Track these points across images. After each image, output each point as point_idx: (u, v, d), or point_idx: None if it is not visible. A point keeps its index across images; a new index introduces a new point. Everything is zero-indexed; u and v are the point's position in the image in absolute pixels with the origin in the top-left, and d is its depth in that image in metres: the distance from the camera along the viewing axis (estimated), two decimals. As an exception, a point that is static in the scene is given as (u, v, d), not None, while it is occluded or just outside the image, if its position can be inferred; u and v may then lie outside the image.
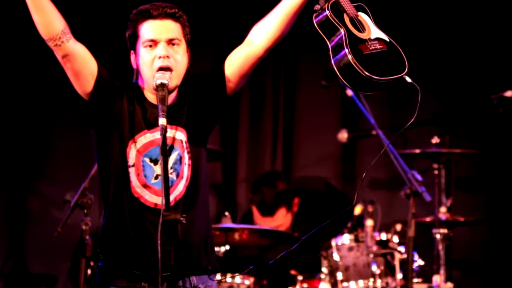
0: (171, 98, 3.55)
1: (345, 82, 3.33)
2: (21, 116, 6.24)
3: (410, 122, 3.50)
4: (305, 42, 6.58)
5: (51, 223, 5.88)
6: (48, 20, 3.34)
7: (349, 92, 5.57)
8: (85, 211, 4.96)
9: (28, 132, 6.25)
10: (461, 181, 6.34)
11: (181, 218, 3.29)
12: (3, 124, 6.20)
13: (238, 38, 3.75)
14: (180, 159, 3.54)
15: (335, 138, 6.13)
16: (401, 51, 3.40)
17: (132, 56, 3.59)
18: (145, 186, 3.51)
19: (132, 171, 3.50)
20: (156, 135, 3.52)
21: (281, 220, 6.15)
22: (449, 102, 6.38)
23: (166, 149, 3.34)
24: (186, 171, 3.53)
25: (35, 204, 6.27)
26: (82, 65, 3.41)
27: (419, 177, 5.22)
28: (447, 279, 5.65)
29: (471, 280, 6.41)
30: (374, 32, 3.43)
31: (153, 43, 3.52)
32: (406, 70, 3.36)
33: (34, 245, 6.20)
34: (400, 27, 6.49)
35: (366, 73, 3.27)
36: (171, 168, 3.53)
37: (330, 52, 3.39)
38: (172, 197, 3.48)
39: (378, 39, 3.40)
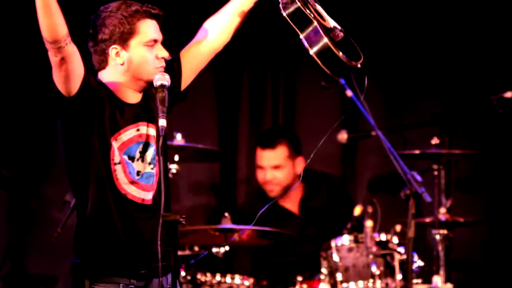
0: (140, 96, 3.59)
1: (326, 70, 3.50)
2: (22, 116, 6.24)
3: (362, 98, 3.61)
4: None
5: (51, 223, 5.88)
6: (55, 24, 3.33)
7: (349, 93, 5.57)
8: (85, 211, 4.95)
9: (28, 132, 6.25)
10: (460, 182, 6.34)
11: (181, 219, 3.30)
12: (3, 125, 6.20)
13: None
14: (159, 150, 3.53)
15: (335, 139, 6.13)
16: (351, 38, 3.45)
17: (114, 51, 3.56)
18: (132, 182, 3.53)
19: (118, 168, 3.51)
20: (132, 132, 3.55)
21: (282, 160, 6.08)
22: (449, 103, 6.38)
23: (163, 149, 3.36)
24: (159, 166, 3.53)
25: (35, 205, 6.27)
26: (75, 67, 3.41)
27: (418, 178, 5.22)
28: (447, 280, 5.65)
29: (471, 281, 6.41)
30: (330, 21, 3.48)
31: (154, 43, 3.55)
32: (362, 58, 3.46)
33: (34, 246, 6.20)
34: (400, 27, 6.49)
35: (352, 61, 3.46)
36: (150, 163, 3.56)
37: (306, 43, 3.49)
38: (151, 195, 3.54)
39: (336, 27, 3.47)
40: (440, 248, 5.69)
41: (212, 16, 3.77)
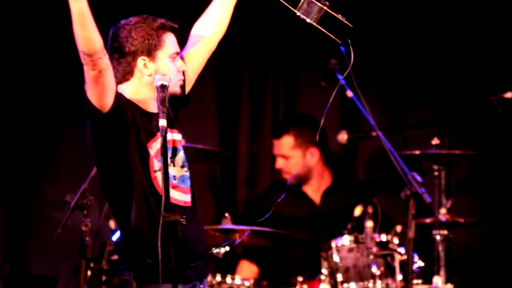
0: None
1: (330, 35, 3.62)
2: (22, 117, 6.24)
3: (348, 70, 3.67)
4: (305, 43, 6.58)
5: (51, 224, 5.87)
6: (92, 36, 3.37)
7: (349, 93, 5.57)
8: (85, 212, 4.96)
9: (28, 133, 6.25)
10: (461, 182, 6.34)
11: (181, 219, 3.31)
12: (4, 125, 6.20)
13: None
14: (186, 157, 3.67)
15: (335, 140, 6.13)
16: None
17: (142, 62, 3.63)
18: (173, 187, 3.59)
19: (159, 175, 3.56)
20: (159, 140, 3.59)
21: (288, 150, 6.12)
22: (449, 104, 6.38)
23: (166, 150, 3.39)
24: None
25: (35, 205, 6.27)
26: (110, 80, 3.47)
27: (419, 178, 5.22)
28: (447, 280, 5.65)
29: (471, 281, 6.41)
30: None
31: (176, 55, 3.67)
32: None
33: (34, 246, 6.20)
34: (399, 28, 6.49)
35: (345, 21, 3.62)
36: (183, 166, 3.66)
37: (303, 15, 3.61)
38: (189, 197, 3.63)
39: None
40: (440, 248, 5.69)
41: (199, 18, 3.86)
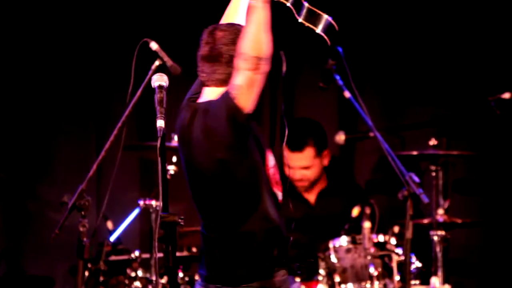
0: None
1: (315, 29, 3.77)
2: (20, 117, 6.23)
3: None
4: (303, 44, 6.58)
5: (49, 225, 5.87)
6: (270, 40, 3.51)
7: (347, 94, 5.57)
8: (83, 213, 4.93)
9: (26, 134, 6.25)
10: (458, 183, 6.34)
11: (179, 220, 3.31)
12: (1, 126, 6.19)
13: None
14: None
15: (333, 140, 6.13)
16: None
17: None
18: (277, 182, 3.68)
19: (273, 171, 3.67)
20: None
21: (310, 161, 6.12)
22: (447, 104, 6.38)
23: (165, 150, 3.36)
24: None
25: (33, 206, 6.26)
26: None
27: (416, 179, 5.22)
28: (445, 280, 5.65)
29: (469, 281, 6.41)
30: None
31: None
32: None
33: (31, 247, 6.20)
34: (397, 29, 6.49)
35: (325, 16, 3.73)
36: None
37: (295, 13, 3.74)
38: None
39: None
40: (438, 249, 5.69)
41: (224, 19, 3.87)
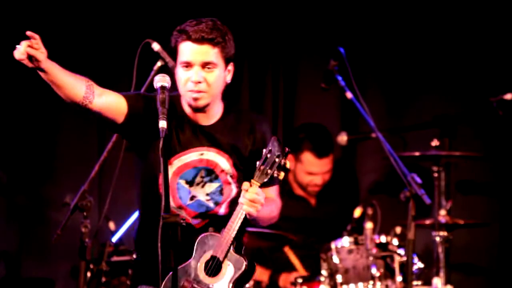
0: (214, 117, 3.67)
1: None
2: (22, 118, 6.23)
3: None
4: (304, 44, 6.58)
5: (51, 225, 5.87)
6: (69, 93, 3.48)
7: (349, 95, 5.57)
8: (85, 213, 4.94)
9: (28, 134, 6.25)
10: (460, 184, 6.34)
11: (181, 221, 3.31)
12: (3, 127, 6.19)
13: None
14: (221, 191, 3.66)
15: (335, 141, 6.13)
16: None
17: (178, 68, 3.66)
18: (180, 207, 3.63)
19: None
20: (192, 156, 3.63)
21: (331, 164, 6.17)
22: (449, 105, 6.38)
23: (167, 151, 3.37)
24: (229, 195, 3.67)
25: (35, 207, 6.26)
26: (113, 113, 3.54)
27: (418, 180, 5.22)
28: (447, 281, 5.65)
29: (471, 282, 6.41)
30: None
31: (188, 65, 3.59)
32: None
33: (33, 248, 6.19)
34: (400, 29, 6.49)
35: None
36: (208, 195, 3.65)
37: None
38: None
39: None
40: (440, 250, 5.69)
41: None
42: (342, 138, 6.06)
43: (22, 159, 6.25)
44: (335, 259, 5.52)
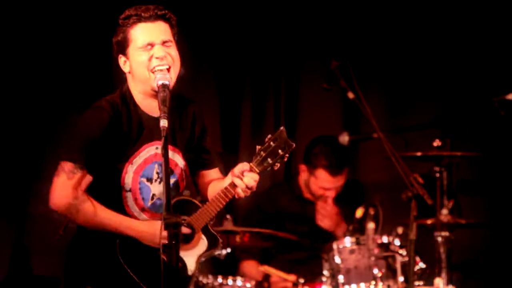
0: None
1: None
2: (24, 118, 6.24)
3: None
4: (307, 45, 6.58)
5: (53, 225, 5.87)
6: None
7: (351, 95, 5.57)
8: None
9: (30, 134, 6.25)
10: (462, 184, 6.34)
11: (182, 221, 3.30)
12: (5, 126, 6.20)
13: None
14: (177, 186, 3.64)
15: (337, 141, 6.13)
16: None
17: (122, 60, 3.58)
18: (142, 210, 3.58)
19: (129, 195, 3.55)
20: (150, 150, 3.57)
21: (345, 178, 6.13)
22: (451, 105, 6.38)
23: (167, 150, 3.34)
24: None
25: (37, 206, 6.26)
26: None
27: (420, 180, 5.22)
28: (449, 281, 5.64)
29: (473, 282, 6.40)
30: None
31: (150, 46, 3.51)
32: None
33: (36, 248, 6.20)
34: (401, 30, 6.49)
35: None
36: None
37: None
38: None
39: None
40: (441, 250, 5.69)
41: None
42: (344, 138, 6.06)
43: (24, 158, 6.25)
44: (337, 259, 5.51)
